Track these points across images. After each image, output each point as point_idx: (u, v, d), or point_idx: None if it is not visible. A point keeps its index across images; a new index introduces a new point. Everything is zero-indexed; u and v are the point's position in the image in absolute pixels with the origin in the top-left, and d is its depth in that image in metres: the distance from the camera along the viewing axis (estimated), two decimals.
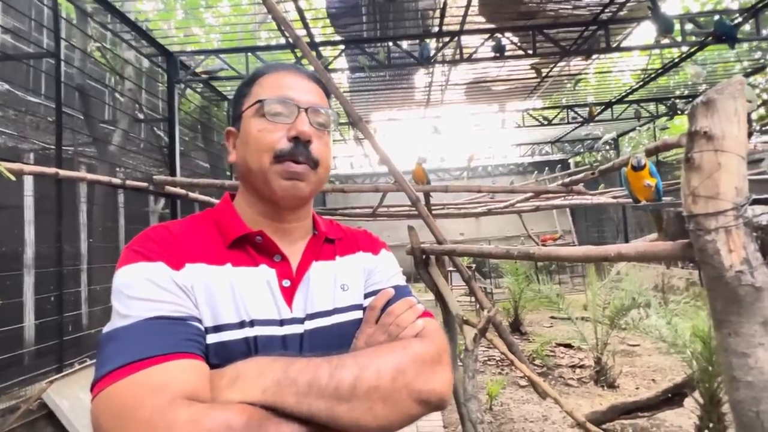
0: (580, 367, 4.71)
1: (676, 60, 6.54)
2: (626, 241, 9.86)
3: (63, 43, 3.33)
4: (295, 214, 0.77)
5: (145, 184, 3.72)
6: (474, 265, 8.23)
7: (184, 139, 6.09)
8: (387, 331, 0.71)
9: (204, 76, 5.51)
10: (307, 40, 5.09)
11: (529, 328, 6.61)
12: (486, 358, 5.18)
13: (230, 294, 0.65)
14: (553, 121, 9.35)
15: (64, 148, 3.96)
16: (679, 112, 8.56)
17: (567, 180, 4.42)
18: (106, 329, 0.59)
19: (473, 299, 8.57)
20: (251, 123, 0.73)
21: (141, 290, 0.60)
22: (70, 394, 2.66)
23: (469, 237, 13.29)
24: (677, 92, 8.84)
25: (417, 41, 5.51)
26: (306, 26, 4.93)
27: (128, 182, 3.61)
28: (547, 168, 12.19)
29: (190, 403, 0.52)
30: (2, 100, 4.13)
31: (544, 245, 10.12)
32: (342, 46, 5.60)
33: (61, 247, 3.12)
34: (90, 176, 3.36)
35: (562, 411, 2.23)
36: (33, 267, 4.90)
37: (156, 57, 4.99)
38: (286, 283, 0.71)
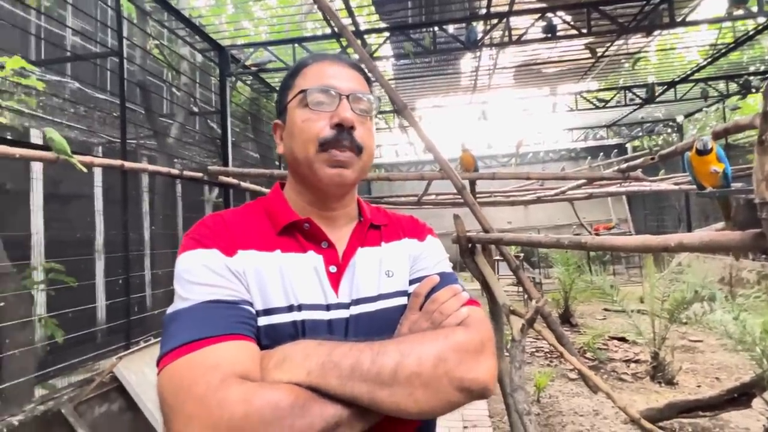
0: (635, 361, 4.50)
1: (751, 32, 5.96)
2: (689, 230, 9.24)
3: (125, 42, 3.53)
4: (341, 201, 0.79)
5: (200, 174, 3.91)
6: (522, 255, 8.02)
7: (236, 131, 6.33)
8: (430, 318, 0.71)
9: (253, 68, 5.67)
10: (352, 28, 5.10)
11: (581, 320, 6.39)
12: (534, 349, 5.07)
13: (279, 279, 0.68)
14: (609, 104, 8.83)
15: (128, 141, 4.23)
16: (753, 90, 7.82)
17: (624, 166, 4.19)
18: (169, 310, 0.64)
19: (521, 289, 8.38)
20: (296, 114, 0.75)
21: (199, 275, 0.64)
22: (136, 369, 2.88)
23: (516, 226, 12.96)
24: (751, 68, 8.07)
25: (464, 24, 5.37)
26: (351, 14, 4.93)
27: (185, 172, 3.81)
28: (601, 153, 11.62)
29: (242, 381, 0.55)
30: (74, 98, 4.47)
31: (596, 235, 9.69)
32: (387, 33, 5.56)
33: (126, 234, 3.36)
34: (151, 167, 3.58)
35: (615, 406, 2.14)
36: (103, 252, 5.32)
37: (209, 51, 5.19)
38: (333, 269, 0.73)
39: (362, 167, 0.77)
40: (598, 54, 6.11)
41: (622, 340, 5.23)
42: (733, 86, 8.10)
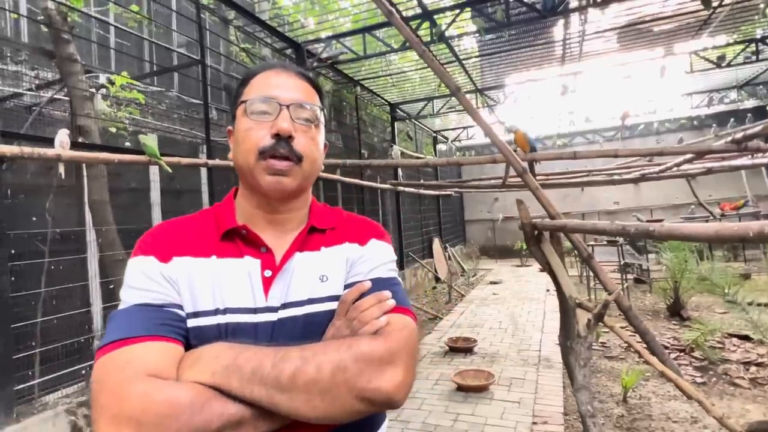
0: (758, 365, 3.84)
1: None
2: None
3: (211, 52, 3.87)
4: (287, 206, 0.80)
5: None
6: (618, 240, 7.25)
7: None
8: (350, 325, 0.70)
9: (329, 61, 5.84)
10: (419, 10, 4.97)
11: (695, 313, 5.62)
12: (628, 344, 4.58)
13: (209, 284, 0.72)
14: (735, 61, 7.46)
15: (220, 140, 4.66)
16: None
17: (739, 135, 3.53)
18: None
19: (625, 278, 7.59)
20: (241, 122, 0.78)
21: (134, 280, 0.70)
22: None
23: (624, 206, 11.73)
24: None
25: None
26: None
27: None
28: (732, 119, 9.91)
29: (147, 379, 0.59)
30: (175, 105, 5.07)
31: (722, 215, 8.36)
32: (465, 10, 5.32)
33: None
34: (233, 163, 3.91)
35: (710, 414, 1.87)
36: None
37: (286, 50, 5.47)
38: (268, 273, 0.75)
39: (304, 175, 0.78)
40: (714, 4, 5.15)
41: (745, 338, 4.50)
42: None
